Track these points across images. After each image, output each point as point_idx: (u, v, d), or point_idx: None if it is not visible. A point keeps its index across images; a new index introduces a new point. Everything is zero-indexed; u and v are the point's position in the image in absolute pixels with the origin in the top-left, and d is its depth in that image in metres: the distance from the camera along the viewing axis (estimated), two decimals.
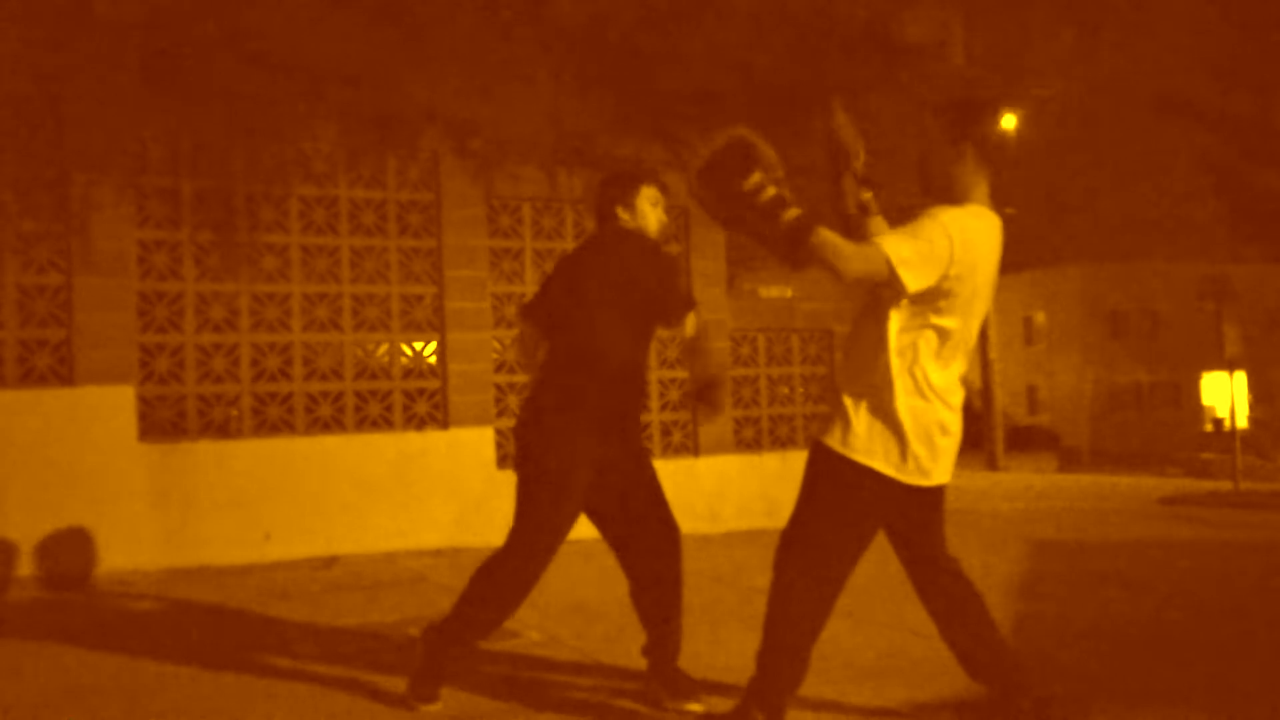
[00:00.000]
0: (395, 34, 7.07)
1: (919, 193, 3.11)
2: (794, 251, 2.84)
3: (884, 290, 2.91)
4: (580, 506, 3.43)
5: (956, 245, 2.87)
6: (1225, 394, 29.08)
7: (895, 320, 2.93)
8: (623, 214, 3.57)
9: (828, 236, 2.82)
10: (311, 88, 6.90)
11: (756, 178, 2.85)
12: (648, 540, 3.51)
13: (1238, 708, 3.49)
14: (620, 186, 3.62)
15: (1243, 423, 17.54)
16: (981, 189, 3.02)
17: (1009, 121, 18.99)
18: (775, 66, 7.80)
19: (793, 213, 2.82)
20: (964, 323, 2.99)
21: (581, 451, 3.37)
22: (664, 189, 3.65)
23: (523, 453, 3.44)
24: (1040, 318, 38.36)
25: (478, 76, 7.31)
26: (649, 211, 3.60)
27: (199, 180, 6.71)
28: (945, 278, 2.87)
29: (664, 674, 3.49)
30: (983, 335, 20.02)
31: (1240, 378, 13.05)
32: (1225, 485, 12.69)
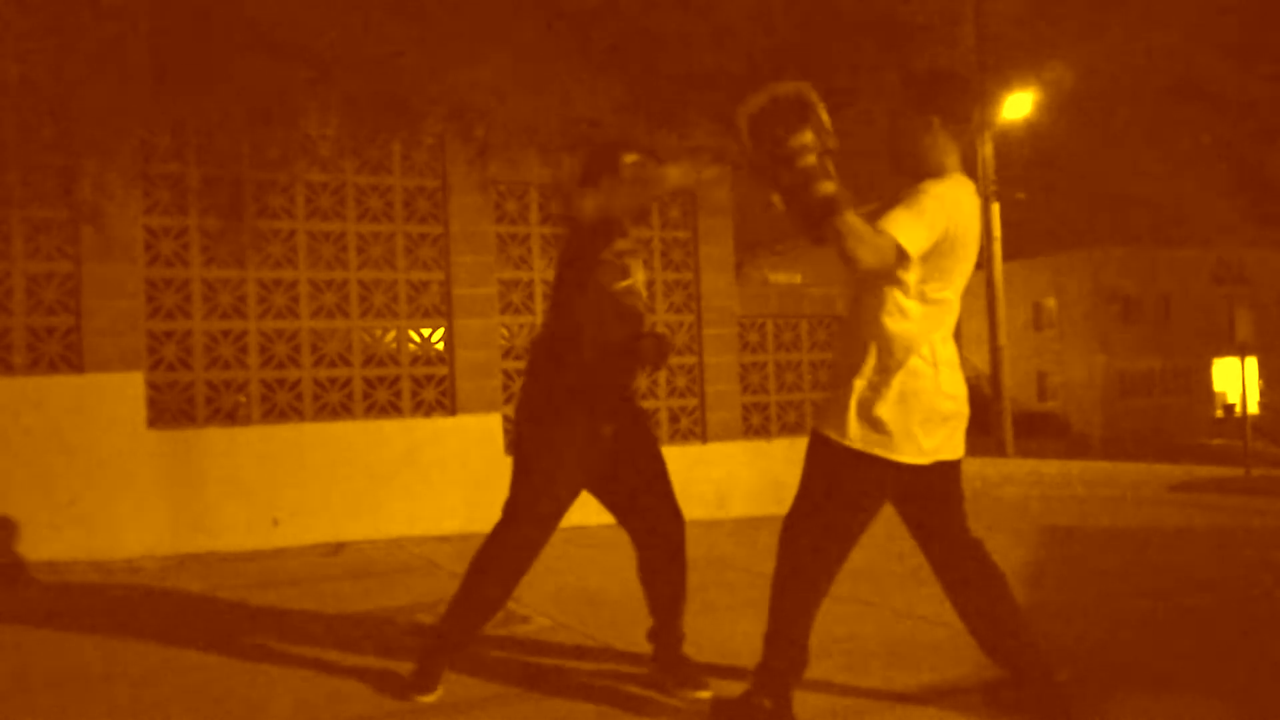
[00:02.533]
0: (401, 19, 7.04)
1: (889, 170, 3.11)
2: (816, 226, 2.74)
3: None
4: (576, 482, 3.38)
5: (950, 218, 2.89)
6: (1236, 379, 28.97)
7: (884, 297, 2.94)
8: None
9: (854, 221, 2.74)
10: (317, 74, 6.88)
11: (807, 137, 2.72)
12: (653, 519, 3.49)
13: (1252, 695, 3.48)
14: (597, 159, 3.46)
15: (1254, 408, 17.49)
16: (953, 159, 3.03)
17: (1023, 105, 18.84)
18: (783, 48, 7.74)
19: (828, 186, 2.71)
20: (954, 294, 3.01)
21: (566, 430, 3.33)
22: (648, 156, 3.44)
23: (517, 431, 3.44)
24: (1051, 303, 38.18)
25: (484, 61, 7.27)
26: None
27: (205, 166, 6.70)
28: (938, 249, 2.89)
29: (670, 662, 3.49)
30: (992, 321, 19.98)
31: (1252, 363, 12.97)
32: (1236, 471, 12.64)
